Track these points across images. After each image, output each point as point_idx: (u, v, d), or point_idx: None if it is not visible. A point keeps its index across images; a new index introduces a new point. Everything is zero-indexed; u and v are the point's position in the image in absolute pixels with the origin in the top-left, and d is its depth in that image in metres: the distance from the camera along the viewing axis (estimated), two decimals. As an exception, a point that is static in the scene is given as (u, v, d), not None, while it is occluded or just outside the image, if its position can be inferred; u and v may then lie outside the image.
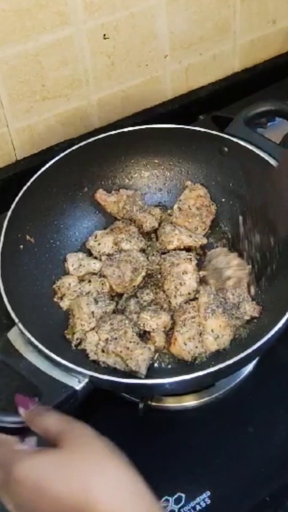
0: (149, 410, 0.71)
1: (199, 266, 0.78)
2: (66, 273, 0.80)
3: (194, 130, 0.84)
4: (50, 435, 0.52)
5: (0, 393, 0.61)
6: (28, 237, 0.78)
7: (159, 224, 0.84)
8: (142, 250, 0.81)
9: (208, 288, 0.73)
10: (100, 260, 0.79)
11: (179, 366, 0.70)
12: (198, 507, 0.65)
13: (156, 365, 0.71)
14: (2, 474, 0.50)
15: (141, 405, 0.69)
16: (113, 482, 0.47)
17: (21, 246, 0.76)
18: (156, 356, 0.71)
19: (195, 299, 0.73)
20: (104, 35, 0.92)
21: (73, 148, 0.82)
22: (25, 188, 0.77)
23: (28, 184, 0.78)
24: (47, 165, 0.80)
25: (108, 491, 0.47)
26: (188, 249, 0.80)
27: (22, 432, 0.57)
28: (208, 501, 0.65)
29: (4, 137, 0.93)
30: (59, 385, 0.61)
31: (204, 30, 1.03)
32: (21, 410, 0.56)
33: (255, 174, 0.80)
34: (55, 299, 0.76)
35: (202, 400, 0.73)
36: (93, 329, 0.71)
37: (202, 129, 0.84)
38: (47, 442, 0.52)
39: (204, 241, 0.82)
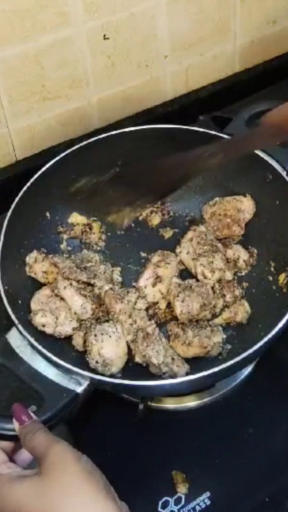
0: (149, 411, 0.71)
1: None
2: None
3: (194, 130, 0.84)
4: (35, 455, 0.55)
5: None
6: (27, 236, 0.78)
7: None
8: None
9: None
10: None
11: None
12: (198, 508, 0.65)
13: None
14: None
15: (141, 406, 0.69)
16: (82, 509, 0.51)
17: (21, 247, 0.76)
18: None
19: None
20: (104, 35, 0.92)
21: (73, 148, 0.82)
22: (25, 188, 0.77)
23: (28, 184, 0.78)
24: (47, 165, 0.80)
25: None
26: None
27: (18, 438, 0.58)
28: (208, 502, 0.65)
29: (4, 137, 0.93)
30: (60, 389, 0.61)
31: (204, 31, 1.03)
32: (16, 424, 0.58)
33: (255, 174, 0.80)
34: None
35: (202, 400, 0.73)
36: None
37: (202, 129, 0.84)
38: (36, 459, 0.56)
39: None
